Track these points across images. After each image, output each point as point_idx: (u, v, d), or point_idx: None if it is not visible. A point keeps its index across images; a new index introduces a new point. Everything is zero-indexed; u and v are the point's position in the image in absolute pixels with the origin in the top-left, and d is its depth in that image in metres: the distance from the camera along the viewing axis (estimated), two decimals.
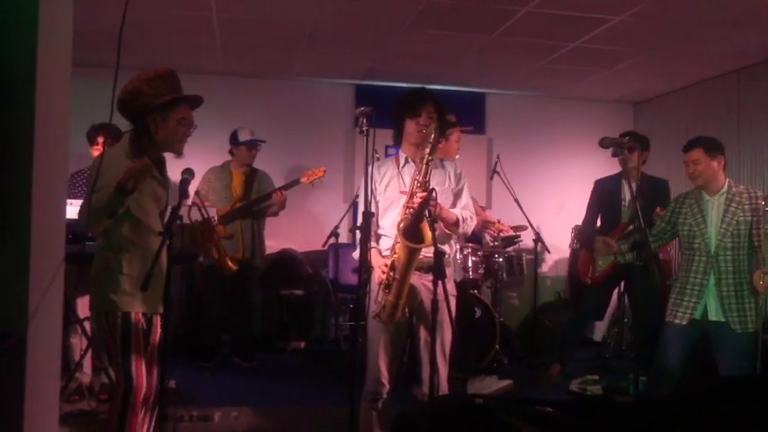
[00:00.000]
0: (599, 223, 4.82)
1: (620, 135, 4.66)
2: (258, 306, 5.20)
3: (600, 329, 6.13)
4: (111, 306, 2.61)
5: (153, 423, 2.74)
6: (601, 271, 4.64)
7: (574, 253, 5.10)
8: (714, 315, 3.41)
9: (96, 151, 4.16)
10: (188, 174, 2.63)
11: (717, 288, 3.39)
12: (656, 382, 3.63)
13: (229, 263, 2.93)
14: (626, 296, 5.04)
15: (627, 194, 4.67)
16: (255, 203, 4.95)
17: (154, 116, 2.61)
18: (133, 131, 2.67)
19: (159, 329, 2.73)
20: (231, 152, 5.07)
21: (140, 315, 2.65)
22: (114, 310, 2.61)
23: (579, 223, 5.06)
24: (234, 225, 4.83)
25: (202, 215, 2.87)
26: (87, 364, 4.03)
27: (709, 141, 3.48)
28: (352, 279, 5.34)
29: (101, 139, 4.16)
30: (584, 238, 4.82)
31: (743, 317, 3.35)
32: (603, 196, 4.76)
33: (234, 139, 5.01)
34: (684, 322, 3.46)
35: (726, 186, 3.46)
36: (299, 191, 5.89)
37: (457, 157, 4.05)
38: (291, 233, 6.04)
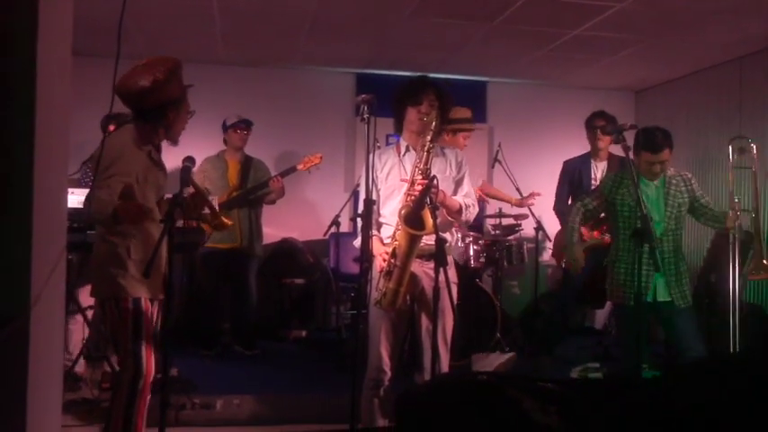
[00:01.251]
0: (570, 203, 4.86)
1: (591, 115, 4.77)
2: (256, 294, 5.20)
3: (600, 317, 6.15)
4: (121, 291, 2.62)
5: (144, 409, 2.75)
6: None
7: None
8: (661, 295, 3.51)
9: None
10: (189, 162, 2.65)
11: (651, 256, 3.36)
12: (623, 361, 3.80)
13: (224, 219, 2.99)
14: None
15: (596, 174, 4.78)
16: (252, 191, 4.96)
17: (176, 108, 2.68)
18: (142, 121, 2.68)
19: (157, 316, 2.76)
20: (224, 140, 5.12)
21: (148, 301, 2.67)
22: (124, 296, 2.63)
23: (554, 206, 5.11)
24: (232, 214, 4.84)
25: (195, 187, 2.90)
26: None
27: (670, 139, 3.49)
28: (354, 268, 5.34)
29: (112, 128, 4.17)
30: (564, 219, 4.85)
31: (683, 292, 3.51)
32: (573, 176, 4.84)
33: (224, 125, 5.07)
34: (632, 302, 3.46)
35: (667, 176, 3.56)
36: (300, 180, 5.90)
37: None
38: (292, 222, 6.05)
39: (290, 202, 5.46)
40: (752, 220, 3.98)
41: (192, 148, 2.95)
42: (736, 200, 3.75)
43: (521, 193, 5.38)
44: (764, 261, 3.79)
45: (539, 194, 5.13)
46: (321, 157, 4.97)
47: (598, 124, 4.66)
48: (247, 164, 5.09)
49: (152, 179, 2.72)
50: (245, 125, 5.07)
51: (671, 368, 3.52)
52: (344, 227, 5.36)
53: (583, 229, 4.62)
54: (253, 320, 5.20)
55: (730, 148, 4.22)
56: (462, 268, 4.51)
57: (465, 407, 1.41)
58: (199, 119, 2.89)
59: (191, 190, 2.82)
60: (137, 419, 2.64)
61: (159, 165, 2.78)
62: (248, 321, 5.16)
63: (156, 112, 2.66)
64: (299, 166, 4.93)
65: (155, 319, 2.76)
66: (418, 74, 3.26)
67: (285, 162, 5.69)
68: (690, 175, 3.61)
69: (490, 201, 5.49)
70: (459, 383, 1.59)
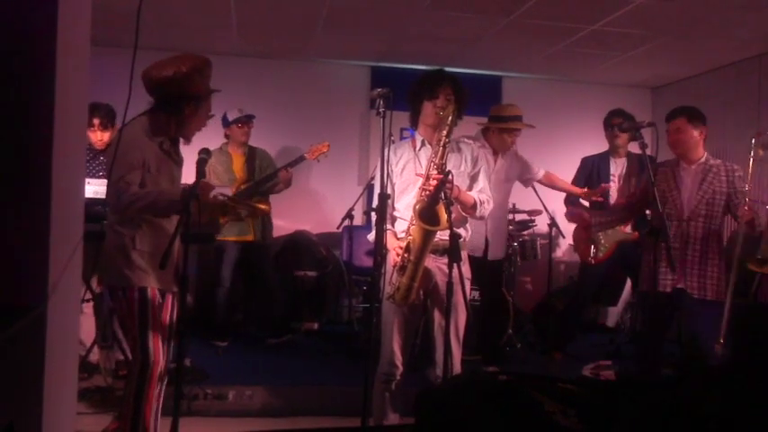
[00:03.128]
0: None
1: (609, 114, 4.71)
2: (276, 284, 5.23)
3: (613, 315, 6.12)
4: (127, 281, 2.64)
5: (159, 401, 2.77)
6: (605, 251, 4.63)
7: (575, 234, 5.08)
8: (677, 283, 3.46)
9: (91, 132, 4.18)
10: (205, 153, 2.65)
11: (682, 253, 3.41)
12: (642, 352, 3.72)
13: (260, 206, 3.14)
14: (629, 276, 5.05)
15: (614, 170, 4.74)
16: (261, 183, 4.95)
17: (194, 104, 2.69)
18: (157, 111, 2.70)
19: (171, 307, 2.77)
20: (225, 134, 5.09)
21: (156, 291, 2.69)
22: (131, 286, 2.64)
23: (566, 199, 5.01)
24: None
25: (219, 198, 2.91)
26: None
27: (691, 111, 3.54)
28: (366, 261, 5.35)
29: (96, 121, 4.19)
30: (576, 216, 4.80)
31: (702, 283, 3.40)
32: (591, 172, 4.80)
33: (224, 120, 5.02)
34: (668, 290, 3.48)
35: (704, 158, 3.53)
36: (313, 173, 5.91)
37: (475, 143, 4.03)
38: (305, 215, 6.06)
39: (304, 195, 5.46)
40: None
41: (204, 140, 2.95)
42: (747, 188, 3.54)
43: (535, 189, 5.35)
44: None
45: (608, 187, 4.75)
46: (329, 146, 4.92)
47: (616, 122, 4.63)
48: (252, 155, 5.07)
49: (165, 170, 2.73)
50: (246, 119, 5.04)
51: (690, 370, 3.46)
52: (358, 220, 5.36)
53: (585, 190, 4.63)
54: (277, 311, 5.23)
55: (753, 141, 4.11)
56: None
57: (486, 407, 1.40)
58: (212, 110, 2.89)
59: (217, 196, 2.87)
60: (145, 408, 2.66)
61: (173, 156, 2.78)
62: (272, 311, 5.20)
63: (173, 103, 2.67)
64: (307, 155, 4.91)
65: (169, 311, 2.77)
66: (433, 67, 3.24)
67: (297, 154, 5.68)
68: (737, 168, 3.52)
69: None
70: (480, 383, 1.59)
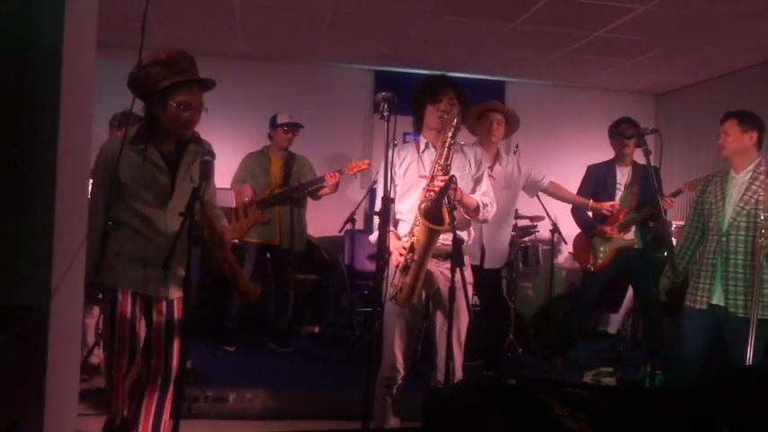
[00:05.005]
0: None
1: (615, 122, 4.68)
2: (292, 292, 5.19)
3: (615, 322, 6.11)
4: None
5: (152, 406, 2.75)
6: (604, 258, 4.63)
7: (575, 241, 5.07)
8: (716, 298, 3.25)
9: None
10: (209, 155, 2.64)
11: (724, 268, 3.21)
12: (678, 371, 3.50)
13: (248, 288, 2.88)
14: (630, 283, 5.03)
15: (621, 179, 4.70)
16: (298, 190, 4.91)
17: (154, 102, 2.58)
18: (145, 115, 2.66)
19: (162, 312, 2.72)
20: (269, 136, 5.06)
21: (126, 293, 2.66)
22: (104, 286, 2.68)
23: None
24: (272, 211, 4.85)
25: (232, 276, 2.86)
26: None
27: (744, 115, 3.33)
28: (368, 265, 5.35)
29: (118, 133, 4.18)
30: (583, 224, 4.79)
31: (744, 300, 3.15)
32: (598, 180, 4.76)
33: (273, 122, 5.01)
34: (703, 306, 3.28)
35: (754, 165, 3.28)
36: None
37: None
38: (308, 218, 6.05)
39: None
40: None
41: (249, 141, 2.94)
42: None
43: (538, 196, 5.34)
44: None
45: (616, 206, 4.67)
46: (369, 164, 4.94)
47: (623, 130, 4.60)
48: (290, 161, 5.04)
49: (144, 178, 2.64)
50: (294, 126, 5.01)
51: (705, 379, 3.34)
52: (360, 224, 5.36)
53: (608, 228, 4.59)
54: (291, 318, 5.21)
55: None
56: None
57: (494, 410, 1.39)
58: (216, 112, 2.87)
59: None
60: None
61: (156, 163, 2.66)
62: (285, 320, 5.15)
63: (145, 106, 2.62)
64: (346, 170, 4.90)
65: (164, 315, 2.73)
66: (437, 72, 3.24)
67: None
68: None
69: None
70: (488, 386, 1.58)
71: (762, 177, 3.22)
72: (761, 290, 3.12)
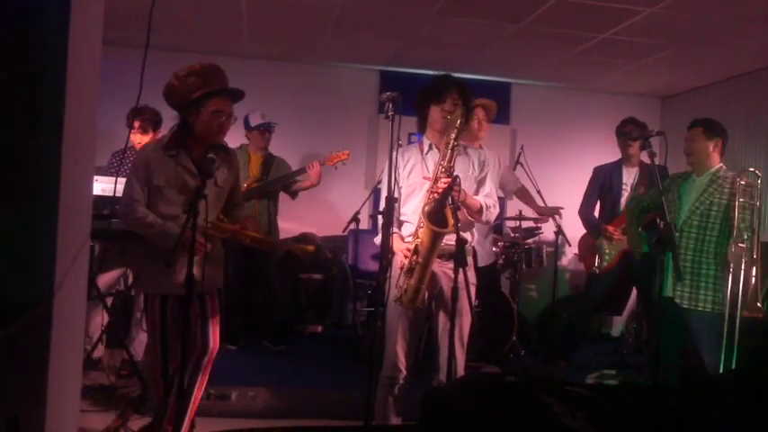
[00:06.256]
0: (598, 209, 4.85)
1: (621, 122, 4.70)
2: (278, 290, 5.19)
3: (618, 325, 6.09)
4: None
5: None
6: (609, 260, 4.62)
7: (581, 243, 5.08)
8: (667, 290, 3.47)
9: (133, 134, 4.23)
10: (213, 156, 2.67)
11: (673, 262, 3.41)
12: (653, 362, 3.72)
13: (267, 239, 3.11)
14: (635, 286, 5.03)
15: (627, 180, 4.72)
16: (277, 182, 4.93)
17: (189, 110, 2.74)
18: (178, 123, 2.81)
19: (156, 309, 2.79)
20: (246, 137, 5.07)
21: (167, 298, 2.78)
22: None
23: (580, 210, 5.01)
24: (251, 205, 4.86)
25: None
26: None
27: (709, 123, 3.56)
28: (372, 265, 5.35)
29: (137, 123, 4.22)
30: (590, 225, 4.80)
31: (694, 293, 3.40)
32: (604, 182, 4.78)
33: (246, 123, 5.00)
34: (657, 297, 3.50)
35: (714, 169, 3.52)
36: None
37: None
38: (311, 217, 6.06)
39: (310, 197, 5.46)
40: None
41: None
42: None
43: (542, 197, 5.34)
44: (758, 303, 3.34)
45: (562, 209, 5.00)
46: (348, 154, 4.92)
47: (627, 130, 4.61)
48: (269, 160, 5.07)
49: (176, 183, 2.77)
50: (267, 127, 5.02)
51: (695, 378, 3.45)
52: (364, 224, 5.36)
53: (611, 228, 4.59)
54: (280, 315, 5.20)
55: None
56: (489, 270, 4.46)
57: (493, 408, 1.40)
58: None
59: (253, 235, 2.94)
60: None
61: (188, 169, 2.79)
62: (275, 316, 5.15)
63: (180, 115, 2.79)
64: (326, 162, 4.89)
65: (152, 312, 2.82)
66: (442, 72, 3.24)
67: (306, 156, 5.69)
68: (745, 182, 3.38)
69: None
70: (487, 384, 1.58)
71: (719, 181, 3.45)
72: (714, 285, 3.39)
